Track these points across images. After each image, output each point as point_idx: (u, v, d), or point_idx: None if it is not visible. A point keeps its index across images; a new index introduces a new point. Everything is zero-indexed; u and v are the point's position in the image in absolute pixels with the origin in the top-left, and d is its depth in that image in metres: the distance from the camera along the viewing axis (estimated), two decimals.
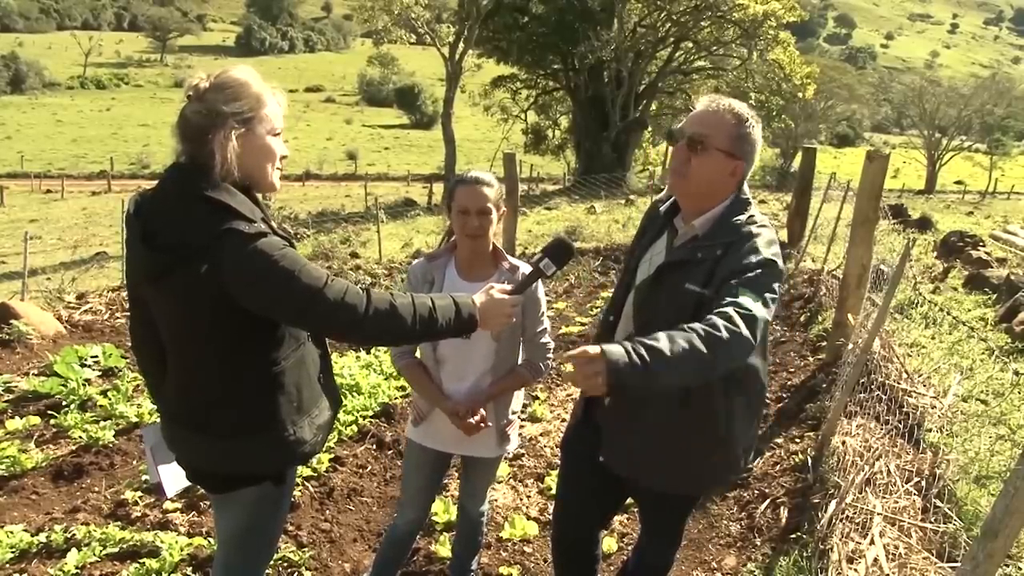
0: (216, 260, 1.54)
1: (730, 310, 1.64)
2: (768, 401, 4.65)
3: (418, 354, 2.44)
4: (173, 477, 1.94)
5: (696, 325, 1.60)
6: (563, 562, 2.40)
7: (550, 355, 2.45)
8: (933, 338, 5.17)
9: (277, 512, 1.92)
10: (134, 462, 3.82)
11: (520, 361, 2.42)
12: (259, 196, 1.74)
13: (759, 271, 1.75)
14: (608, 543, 3.17)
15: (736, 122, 1.84)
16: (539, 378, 2.50)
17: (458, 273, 2.35)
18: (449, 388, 2.36)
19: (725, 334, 1.58)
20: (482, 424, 2.31)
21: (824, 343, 5.20)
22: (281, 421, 1.73)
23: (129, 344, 5.94)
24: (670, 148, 1.98)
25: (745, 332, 1.61)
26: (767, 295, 1.72)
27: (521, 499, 3.70)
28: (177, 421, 1.78)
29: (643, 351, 1.50)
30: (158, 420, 1.91)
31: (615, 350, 1.49)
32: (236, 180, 1.64)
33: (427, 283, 2.34)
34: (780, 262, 1.82)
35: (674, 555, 2.38)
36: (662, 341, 1.53)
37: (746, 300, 1.67)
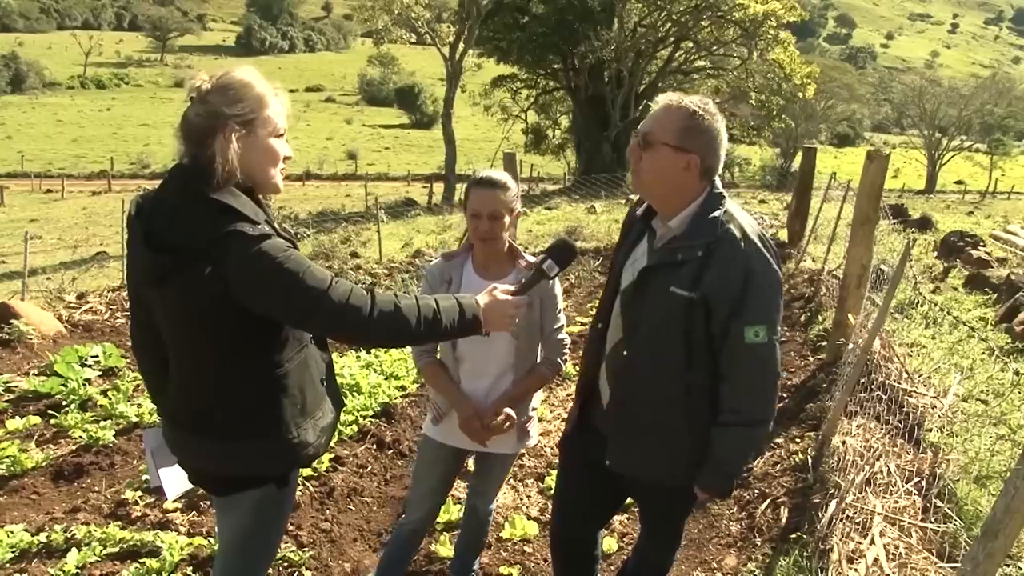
0: (220, 262, 1.53)
1: (748, 373, 1.84)
2: None
3: (438, 354, 2.44)
4: (175, 480, 1.93)
5: (731, 418, 1.87)
6: (562, 561, 2.40)
7: (567, 350, 2.45)
8: (933, 338, 5.17)
9: (279, 515, 1.92)
10: (134, 462, 3.82)
11: (539, 359, 2.42)
12: (261, 197, 1.74)
13: (753, 289, 1.80)
14: (608, 543, 3.17)
15: (682, 115, 1.83)
16: (559, 374, 2.49)
17: (475, 272, 2.34)
18: (468, 387, 2.36)
19: (759, 413, 1.88)
20: (506, 424, 2.29)
21: (824, 343, 5.19)
22: (285, 423, 1.73)
23: (130, 344, 5.95)
24: None
25: (770, 388, 1.89)
26: (772, 311, 1.84)
27: (521, 499, 3.70)
28: (179, 424, 1.77)
29: (726, 472, 1.95)
30: (159, 422, 1.91)
31: (711, 486, 1.99)
32: (239, 181, 1.63)
33: (445, 282, 2.33)
34: (768, 257, 1.83)
35: (674, 555, 2.38)
36: (726, 451, 1.91)
37: (753, 334, 1.80)
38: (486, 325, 1.78)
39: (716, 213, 1.85)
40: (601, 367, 2.09)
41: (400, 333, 1.67)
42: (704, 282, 1.80)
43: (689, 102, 1.85)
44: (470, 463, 2.86)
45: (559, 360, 2.42)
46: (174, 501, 3.31)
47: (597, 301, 8.05)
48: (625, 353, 1.96)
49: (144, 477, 3.54)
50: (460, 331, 1.75)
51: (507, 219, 2.27)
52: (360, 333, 1.66)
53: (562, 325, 2.42)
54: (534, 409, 2.50)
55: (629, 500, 2.62)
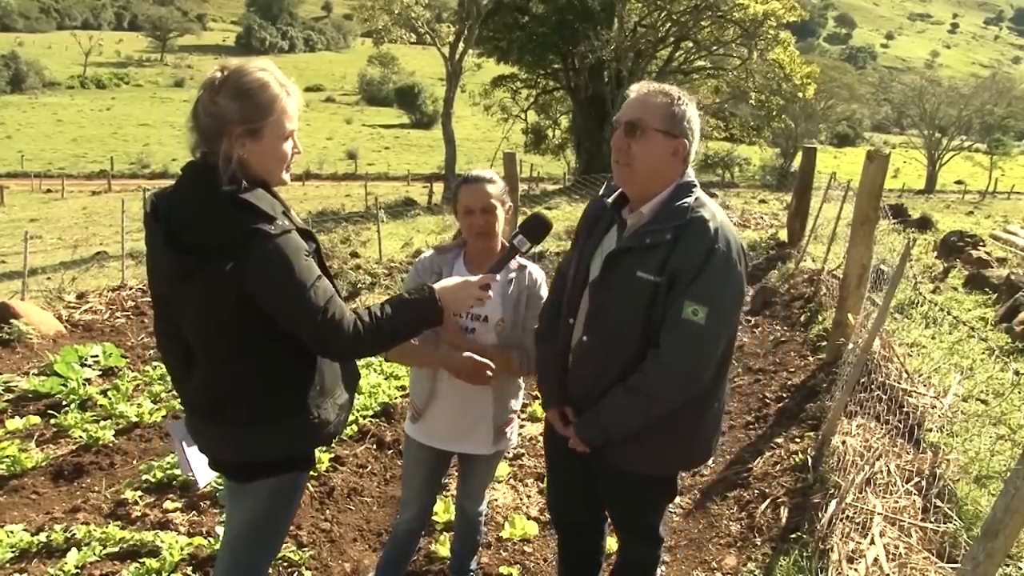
0: (241, 259, 1.57)
1: (671, 345, 1.81)
2: (768, 401, 4.65)
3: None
4: (205, 466, 1.96)
5: (635, 380, 1.85)
6: (565, 551, 2.40)
7: None
8: (933, 338, 5.17)
9: (291, 503, 1.94)
10: (134, 462, 3.82)
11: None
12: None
13: (708, 269, 1.79)
14: (608, 543, 3.15)
15: (668, 101, 1.85)
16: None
17: (467, 267, 2.33)
18: (447, 383, 2.33)
19: (662, 389, 1.84)
20: (488, 371, 2.20)
21: (824, 343, 5.19)
22: (307, 406, 1.77)
23: (129, 343, 5.95)
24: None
25: (683, 369, 1.83)
26: (718, 295, 1.81)
27: (521, 499, 3.70)
28: (204, 414, 1.80)
29: (608, 433, 1.93)
30: (184, 414, 1.94)
31: (585, 437, 1.97)
32: (251, 176, 1.65)
33: (434, 274, 2.32)
34: (732, 244, 1.84)
35: (656, 552, 2.31)
36: (615, 416, 1.90)
37: (692, 311, 1.78)
38: (447, 306, 1.82)
39: (687, 200, 1.87)
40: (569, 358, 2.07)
41: (373, 351, 1.82)
42: (670, 264, 1.81)
43: (668, 88, 1.87)
44: None
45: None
46: (173, 501, 3.32)
47: None
48: (584, 339, 1.96)
49: (144, 477, 3.54)
50: (424, 321, 1.82)
51: (500, 212, 2.26)
52: (336, 356, 1.81)
53: None
54: (513, 412, 2.47)
55: None
